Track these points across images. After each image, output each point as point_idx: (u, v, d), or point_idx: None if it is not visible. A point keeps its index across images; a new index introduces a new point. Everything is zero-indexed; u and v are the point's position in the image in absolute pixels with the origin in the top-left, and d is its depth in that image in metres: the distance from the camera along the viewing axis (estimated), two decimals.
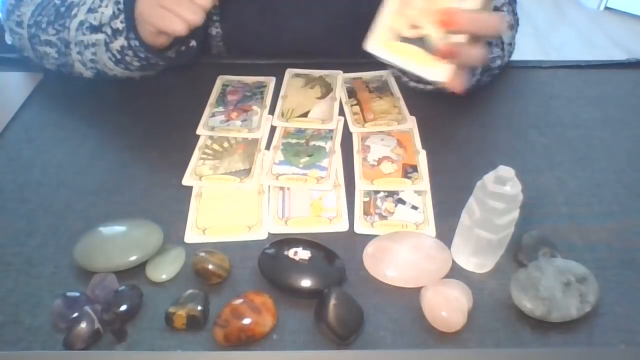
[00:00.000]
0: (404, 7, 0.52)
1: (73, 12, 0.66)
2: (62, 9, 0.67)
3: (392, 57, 0.53)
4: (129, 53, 0.64)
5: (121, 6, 0.62)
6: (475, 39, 0.52)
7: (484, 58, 0.53)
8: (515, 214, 0.48)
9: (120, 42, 0.63)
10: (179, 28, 0.58)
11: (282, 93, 0.72)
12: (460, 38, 0.50)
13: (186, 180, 0.60)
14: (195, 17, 0.58)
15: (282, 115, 0.68)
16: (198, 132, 0.67)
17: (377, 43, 0.53)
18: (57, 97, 0.73)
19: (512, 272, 0.50)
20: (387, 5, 0.52)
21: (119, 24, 0.62)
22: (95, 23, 0.64)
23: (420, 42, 0.51)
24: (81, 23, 0.65)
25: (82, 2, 0.66)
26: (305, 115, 0.68)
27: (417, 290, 0.48)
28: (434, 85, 0.65)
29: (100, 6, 0.64)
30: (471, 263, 0.51)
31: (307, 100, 0.71)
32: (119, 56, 0.65)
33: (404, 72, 0.68)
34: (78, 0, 0.66)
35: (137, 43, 0.63)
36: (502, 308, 0.48)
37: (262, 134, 0.66)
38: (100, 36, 0.64)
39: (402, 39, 0.52)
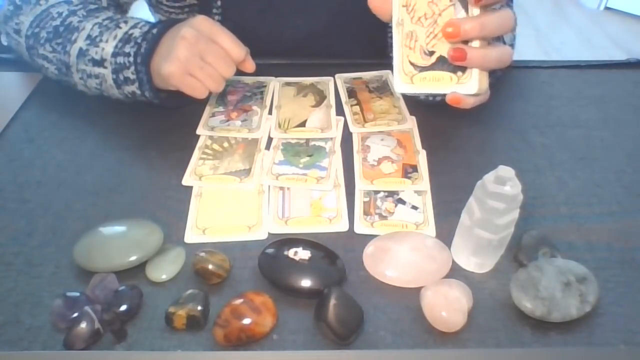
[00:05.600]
0: (409, 40, 0.53)
1: (73, 37, 0.65)
2: (61, 28, 0.66)
3: (422, 89, 0.54)
4: (142, 99, 0.66)
5: (131, 59, 0.62)
6: (490, 41, 0.52)
7: (505, 57, 0.52)
8: (515, 214, 0.48)
9: (132, 88, 0.64)
10: (201, 95, 0.61)
11: (275, 103, 0.72)
12: (476, 44, 0.50)
13: (186, 180, 0.60)
14: (218, 87, 0.61)
15: (280, 126, 0.67)
16: (198, 132, 0.67)
17: (402, 83, 0.54)
18: (57, 97, 0.73)
19: (512, 272, 0.50)
20: (395, 44, 0.53)
21: (130, 74, 0.63)
22: (97, 57, 0.64)
23: (439, 64, 0.52)
24: (81, 52, 0.65)
25: (81, 28, 0.65)
26: (303, 124, 0.68)
27: (417, 290, 0.48)
28: (443, 97, 0.65)
29: (100, 40, 0.64)
30: (471, 263, 0.51)
31: (303, 109, 0.70)
32: (130, 96, 0.66)
33: (433, 96, 0.68)
34: (77, 24, 0.66)
35: (152, 94, 0.64)
36: (502, 308, 0.48)
37: (262, 134, 0.66)
38: (104, 70, 0.64)
39: (421, 69, 0.53)
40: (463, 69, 0.51)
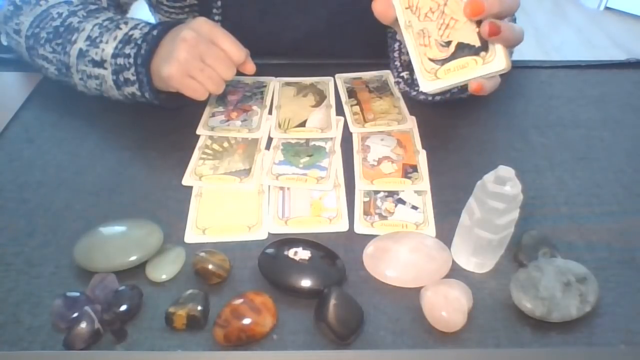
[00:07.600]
0: (423, 38, 0.52)
1: (73, 38, 0.65)
2: (62, 29, 0.66)
3: (449, 81, 0.52)
4: (142, 100, 0.66)
5: (132, 60, 0.62)
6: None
7: (521, 33, 0.51)
8: (515, 214, 0.48)
9: (132, 90, 0.65)
10: (201, 97, 0.61)
11: (275, 103, 0.72)
12: None
13: (186, 180, 0.60)
14: (218, 88, 0.61)
15: (280, 126, 0.68)
16: (198, 132, 0.67)
17: (427, 82, 0.53)
18: (57, 97, 0.73)
19: (512, 272, 0.50)
20: (409, 47, 0.53)
21: (130, 76, 0.63)
22: (97, 58, 0.64)
23: (460, 51, 0.51)
24: (81, 52, 0.65)
25: (81, 28, 0.65)
26: (303, 124, 0.68)
27: (417, 290, 0.48)
28: (443, 96, 0.65)
29: (101, 41, 0.64)
30: (471, 263, 0.51)
31: (303, 109, 0.70)
32: (130, 97, 0.66)
33: (433, 95, 0.67)
34: (77, 25, 0.66)
35: (152, 95, 0.64)
36: (502, 308, 0.48)
37: (262, 134, 0.66)
38: (104, 71, 0.64)
39: (442, 62, 0.52)
40: (485, 48, 0.50)
